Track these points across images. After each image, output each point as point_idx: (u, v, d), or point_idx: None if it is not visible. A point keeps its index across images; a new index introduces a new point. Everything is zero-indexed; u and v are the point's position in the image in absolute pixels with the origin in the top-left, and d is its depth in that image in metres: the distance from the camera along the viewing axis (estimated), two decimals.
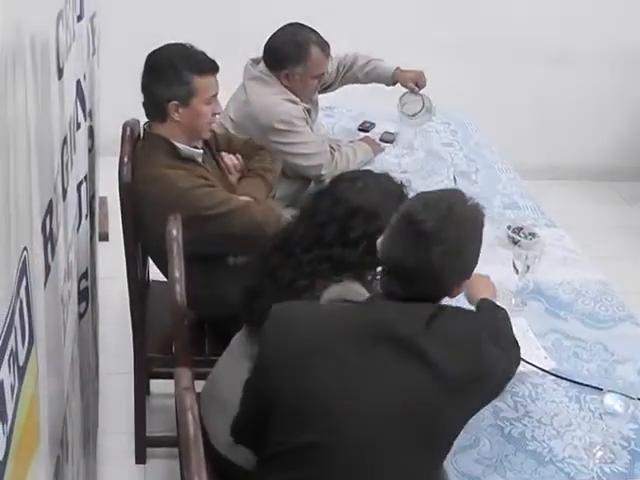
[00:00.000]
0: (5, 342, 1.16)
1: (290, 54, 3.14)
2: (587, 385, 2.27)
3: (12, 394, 1.20)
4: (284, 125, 3.10)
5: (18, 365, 1.25)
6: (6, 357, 1.16)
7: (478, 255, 1.88)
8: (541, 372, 2.31)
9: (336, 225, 2.10)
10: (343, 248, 2.08)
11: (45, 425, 1.55)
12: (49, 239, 1.60)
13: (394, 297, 1.82)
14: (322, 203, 2.18)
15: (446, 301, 1.90)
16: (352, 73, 3.53)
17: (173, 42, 2.59)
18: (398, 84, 3.52)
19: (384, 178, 2.22)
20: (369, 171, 2.39)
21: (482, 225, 1.88)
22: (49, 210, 1.59)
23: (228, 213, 2.54)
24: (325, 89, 3.52)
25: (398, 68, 3.51)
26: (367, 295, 2.10)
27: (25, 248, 1.29)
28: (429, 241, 1.76)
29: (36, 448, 1.43)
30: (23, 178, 1.27)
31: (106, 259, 3.18)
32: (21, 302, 1.27)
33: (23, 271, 1.28)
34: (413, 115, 3.44)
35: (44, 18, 1.54)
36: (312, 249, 2.12)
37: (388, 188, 2.18)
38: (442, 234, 1.77)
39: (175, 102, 2.52)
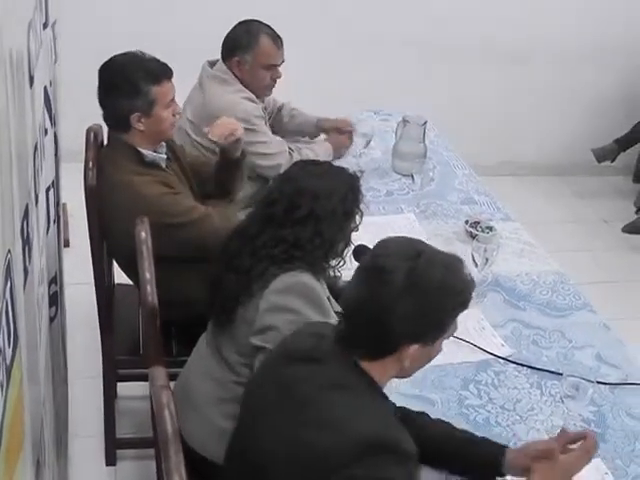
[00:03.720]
0: None
1: (241, 41, 3.21)
2: (547, 371, 2.36)
3: (1, 393, 1.23)
4: (243, 123, 3.14)
5: (6, 365, 1.28)
6: None
7: (443, 324, 1.74)
8: (502, 360, 2.40)
9: (284, 202, 2.15)
10: (293, 228, 2.13)
11: (28, 427, 1.58)
12: (26, 243, 1.63)
13: (339, 340, 1.75)
14: (274, 183, 2.27)
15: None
16: (281, 115, 3.57)
17: (122, 52, 2.61)
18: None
19: (338, 167, 2.30)
20: (327, 161, 2.47)
21: (458, 296, 1.74)
22: (26, 214, 1.63)
23: (190, 222, 2.60)
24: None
25: (320, 120, 3.57)
26: (317, 289, 2.14)
27: (9, 251, 1.32)
28: (380, 276, 1.68)
29: (21, 449, 1.46)
30: (7, 182, 1.31)
31: (68, 265, 3.18)
32: (6, 304, 1.31)
33: (8, 273, 1.31)
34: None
35: (18, 27, 1.57)
36: (265, 229, 2.16)
37: (339, 174, 2.24)
38: (397, 274, 1.66)
39: (137, 114, 2.56)
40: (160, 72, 2.59)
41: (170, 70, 2.62)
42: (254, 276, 2.13)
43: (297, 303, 2.09)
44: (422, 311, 1.68)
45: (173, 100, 2.64)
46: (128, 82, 2.54)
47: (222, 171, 2.91)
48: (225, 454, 1.96)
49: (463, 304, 1.76)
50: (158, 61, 2.61)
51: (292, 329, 2.04)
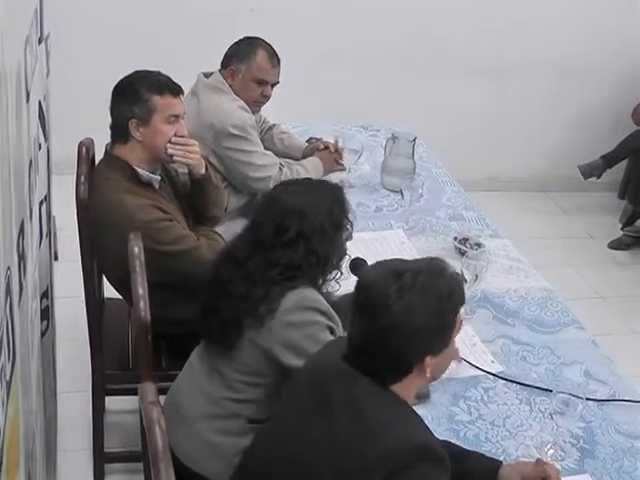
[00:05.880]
0: None
1: (239, 50, 3.24)
2: (537, 387, 2.37)
3: (3, 409, 1.24)
4: (237, 130, 3.15)
5: (6, 380, 1.29)
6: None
7: (445, 328, 1.77)
8: (492, 376, 2.41)
9: (271, 225, 2.15)
10: (284, 250, 2.13)
11: (22, 442, 1.58)
12: (22, 258, 1.63)
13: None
14: (258, 206, 2.28)
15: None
16: (271, 134, 3.56)
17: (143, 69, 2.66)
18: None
19: (319, 181, 2.31)
20: (307, 178, 2.47)
21: (449, 298, 1.75)
22: (22, 230, 1.63)
23: (179, 252, 2.61)
24: None
25: (307, 147, 3.56)
26: (323, 301, 2.16)
27: (9, 268, 1.33)
28: (373, 307, 1.72)
29: (18, 464, 1.46)
30: (6, 198, 1.31)
31: (56, 278, 3.17)
32: (6, 320, 1.31)
33: (7, 290, 1.32)
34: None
35: (17, 44, 1.58)
36: (253, 253, 2.16)
37: (322, 188, 2.25)
38: (388, 300, 1.69)
39: (135, 120, 2.57)
40: (165, 85, 2.61)
41: (178, 88, 2.64)
42: (256, 299, 2.12)
43: (311, 315, 2.12)
44: (421, 326, 1.71)
45: (177, 119, 2.63)
46: (130, 89, 2.59)
47: (192, 194, 2.88)
48: (242, 463, 1.97)
49: (457, 302, 1.78)
50: (169, 78, 2.64)
51: (316, 340, 2.07)
